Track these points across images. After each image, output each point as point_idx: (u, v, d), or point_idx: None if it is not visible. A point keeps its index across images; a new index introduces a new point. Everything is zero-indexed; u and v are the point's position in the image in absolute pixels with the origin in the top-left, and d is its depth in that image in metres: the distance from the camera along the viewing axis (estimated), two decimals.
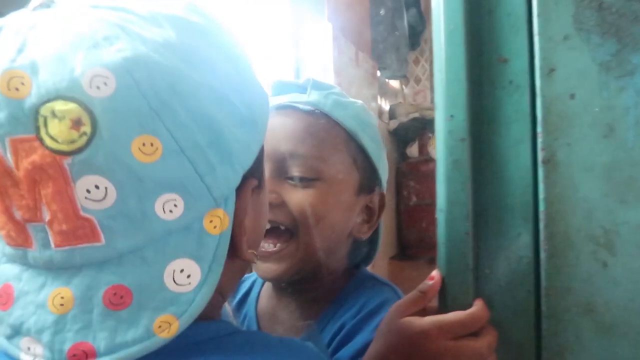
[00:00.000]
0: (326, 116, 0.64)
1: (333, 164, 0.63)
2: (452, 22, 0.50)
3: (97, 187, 0.34)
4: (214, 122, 0.37)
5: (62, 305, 0.34)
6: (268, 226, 0.60)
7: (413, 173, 3.37)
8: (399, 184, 3.43)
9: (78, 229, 0.34)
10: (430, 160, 3.33)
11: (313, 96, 0.65)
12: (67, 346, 0.34)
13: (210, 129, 0.37)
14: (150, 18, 0.37)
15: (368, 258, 0.73)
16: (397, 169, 3.47)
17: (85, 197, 0.34)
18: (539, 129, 0.48)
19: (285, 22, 2.13)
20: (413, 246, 3.37)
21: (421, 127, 3.38)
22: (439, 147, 0.50)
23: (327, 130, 0.64)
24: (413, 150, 3.45)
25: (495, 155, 0.50)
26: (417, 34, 3.57)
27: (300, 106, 0.64)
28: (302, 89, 0.67)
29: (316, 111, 0.64)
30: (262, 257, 0.62)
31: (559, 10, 0.47)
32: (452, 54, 0.50)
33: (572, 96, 0.47)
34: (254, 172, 0.42)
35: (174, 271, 0.36)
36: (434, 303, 0.51)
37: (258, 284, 0.73)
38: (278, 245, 0.62)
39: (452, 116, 0.49)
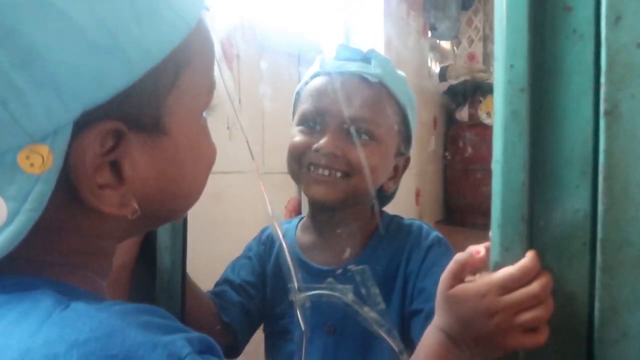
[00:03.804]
0: (387, 89, 0.78)
1: (386, 130, 0.77)
2: None
3: None
4: (24, 39, 0.31)
5: None
6: (326, 172, 0.73)
7: (462, 138, 3.31)
8: (446, 148, 3.39)
9: None
10: (480, 125, 3.26)
11: (377, 69, 0.77)
12: None
13: (16, 47, 0.31)
14: None
15: (382, 206, 0.87)
16: (445, 133, 3.42)
17: None
18: (603, 80, 0.47)
19: None
20: (459, 211, 3.34)
21: (472, 91, 3.29)
22: (497, 97, 0.49)
23: (387, 102, 0.78)
24: (462, 114, 3.37)
25: (555, 107, 0.49)
26: None
27: (369, 77, 0.76)
28: (366, 60, 0.78)
29: (380, 84, 0.77)
30: (316, 181, 0.74)
31: None
32: (514, 1, 0.49)
33: (639, 45, 0.45)
34: (128, 112, 0.35)
35: None
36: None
37: (291, 228, 0.86)
38: (333, 174, 0.74)
39: (512, 66, 0.48)
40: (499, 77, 0.50)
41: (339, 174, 0.74)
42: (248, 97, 1.31)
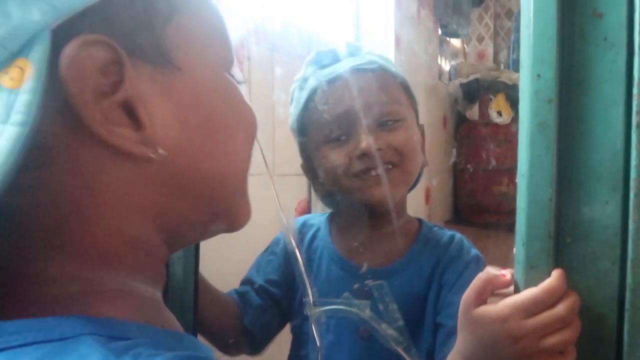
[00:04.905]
0: (385, 70, 0.77)
1: (405, 107, 0.77)
2: None
3: None
4: None
5: None
6: (379, 171, 0.71)
7: (472, 137, 3.28)
8: (457, 148, 3.36)
9: None
10: (490, 123, 3.23)
11: (367, 56, 0.77)
12: None
13: None
14: None
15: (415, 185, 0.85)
16: (455, 132, 3.39)
17: None
18: (635, 90, 0.44)
19: None
20: (469, 210, 3.31)
21: (482, 89, 3.26)
22: (523, 108, 0.47)
23: (393, 82, 0.77)
24: (473, 112, 3.34)
25: (584, 118, 0.47)
26: None
27: (367, 66, 0.75)
28: (352, 54, 0.78)
29: (379, 67, 0.76)
30: (373, 183, 0.71)
31: None
32: (541, 7, 0.46)
33: None
34: (119, 32, 0.32)
35: None
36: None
37: (322, 223, 0.83)
38: (382, 171, 0.72)
39: (539, 75, 0.46)
40: (524, 87, 0.47)
41: (390, 166, 0.73)
42: (259, 98, 1.30)
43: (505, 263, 0.53)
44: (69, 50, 0.30)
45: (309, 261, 0.79)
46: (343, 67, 0.75)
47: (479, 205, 3.23)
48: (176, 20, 0.35)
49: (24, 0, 0.29)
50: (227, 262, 0.88)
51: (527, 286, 0.47)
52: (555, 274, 0.46)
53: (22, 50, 0.29)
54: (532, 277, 0.47)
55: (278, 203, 0.61)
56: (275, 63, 1.43)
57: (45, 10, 0.29)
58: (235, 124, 0.39)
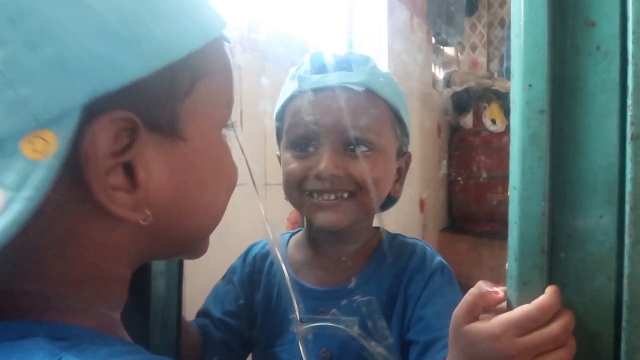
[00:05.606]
0: (374, 94, 0.72)
1: (384, 136, 0.72)
2: None
3: None
4: (38, 20, 0.30)
5: None
6: (332, 197, 0.69)
7: (466, 145, 3.27)
8: (450, 156, 3.35)
9: None
10: (484, 131, 3.23)
11: (361, 75, 0.71)
12: None
13: (30, 27, 0.30)
14: None
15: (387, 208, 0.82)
16: (449, 140, 3.39)
17: None
18: (629, 101, 0.43)
19: None
20: (463, 219, 3.30)
21: (476, 97, 3.26)
22: (515, 119, 0.46)
23: (378, 108, 0.72)
24: (467, 120, 3.34)
25: (577, 130, 0.45)
26: None
27: (354, 87, 0.70)
28: (346, 67, 0.72)
29: (367, 91, 0.71)
30: (322, 206, 0.70)
31: None
32: (532, 16, 0.45)
33: None
34: (142, 107, 0.34)
35: None
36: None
37: (283, 244, 0.80)
38: (339, 196, 0.69)
39: (530, 85, 0.45)
40: (516, 98, 0.46)
41: (345, 195, 0.69)
42: (250, 106, 1.28)
43: (500, 272, 0.51)
44: (96, 127, 0.32)
45: (269, 286, 0.77)
46: (333, 79, 0.70)
47: (473, 213, 3.23)
48: (192, 97, 0.38)
49: (68, 75, 0.30)
50: (213, 274, 0.86)
51: (520, 303, 0.46)
52: (549, 290, 0.45)
53: (50, 123, 0.30)
54: (525, 293, 0.46)
55: (264, 215, 0.60)
56: (267, 71, 1.42)
57: (84, 89, 0.31)
58: (220, 184, 0.42)
